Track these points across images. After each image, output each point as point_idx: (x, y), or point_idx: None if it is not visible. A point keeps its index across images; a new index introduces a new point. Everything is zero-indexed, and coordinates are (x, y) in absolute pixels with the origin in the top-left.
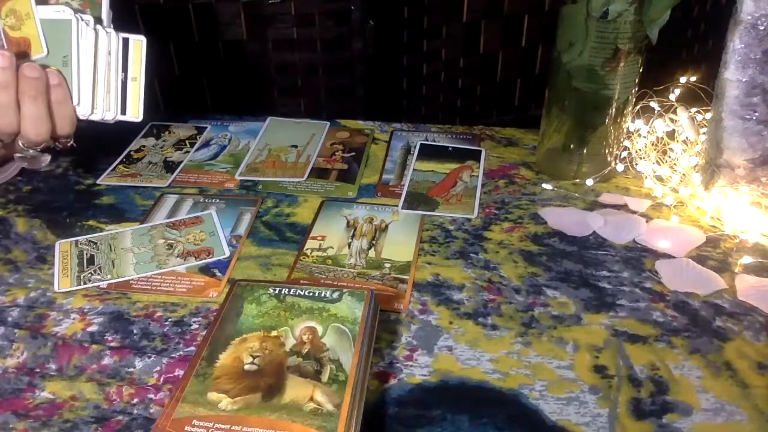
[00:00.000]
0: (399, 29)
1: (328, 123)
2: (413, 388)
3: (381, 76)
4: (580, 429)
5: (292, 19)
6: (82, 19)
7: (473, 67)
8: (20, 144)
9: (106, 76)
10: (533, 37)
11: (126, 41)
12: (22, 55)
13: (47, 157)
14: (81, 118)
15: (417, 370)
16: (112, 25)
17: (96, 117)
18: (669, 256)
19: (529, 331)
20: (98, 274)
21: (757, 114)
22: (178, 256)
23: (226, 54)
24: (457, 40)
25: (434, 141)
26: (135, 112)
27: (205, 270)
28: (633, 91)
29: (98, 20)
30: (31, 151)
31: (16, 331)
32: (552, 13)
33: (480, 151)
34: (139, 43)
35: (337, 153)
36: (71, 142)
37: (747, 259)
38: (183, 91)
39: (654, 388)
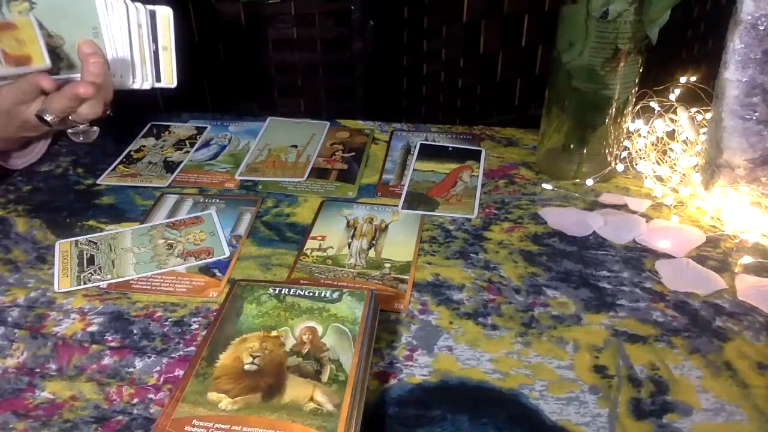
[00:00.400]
0: (399, 29)
1: (328, 123)
2: (413, 388)
3: (381, 76)
4: (580, 429)
5: (292, 19)
6: None
7: (473, 67)
8: (72, 121)
9: (140, 47)
10: (533, 37)
11: (153, 13)
12: (19, 64)
13: (97, 129)
14: (122, 88)
15: (417, 370)
16: None
17: (136, 86)
18: (669, 256)
19: (529, 331)
20: (98, 274)
21: (757, 114)
22: (178, 256)
23: (226, 54)
24: (457, 40)
25: (434, 141)
26: (169, 79)
27: (205, 270)
28: (633, 91)
29: None
30: (82, 126)
31: (16, 331)
32: (552, 13)
33: (480, 151)
34: (166, 15)
35: (337, 153)
36: (110, 110)
37: (747, 259)
38: (183, 91)
39: (654, 388)
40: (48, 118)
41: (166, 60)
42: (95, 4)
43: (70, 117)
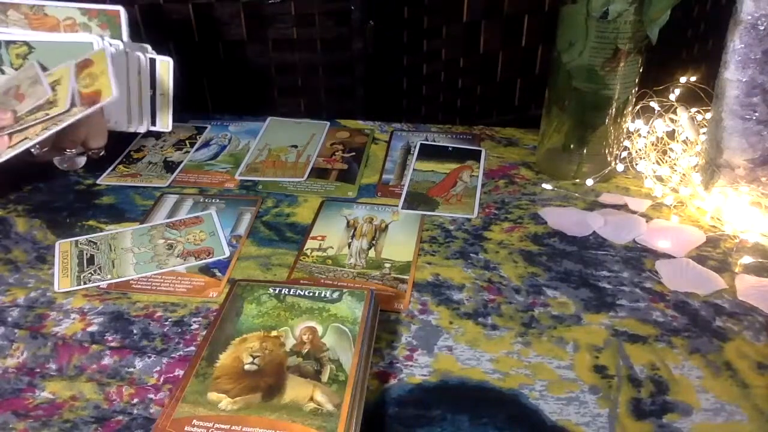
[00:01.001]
0: (399, 29)
1: (328, 123)
2: (413, 388)
3: (381, 76)
4: (580, 429)
5: (292, 19)
6: (111, 45)
7: (473, 67)
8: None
9: (138, 93)
10: (533, 37)
11: (153, 61)
12: (93, 102)
13: (83, 159)
14: (118, 130)
15: (417, 370)
16: (129, 40)
17: (131, 129)
18: (669, 256)
19: (529, 331)
20: (98, 274)
21: (757, 114)
22: (178, 256)
23: (226, 54)
24: (457, 40)
25: (434, 141)
26: (164, 123)
27: (205, 270)
28: (633, 91)
29: (126, 43)
30: (68, 152)
31: (16, 331)
32: (552, 13)
33: (480, 151)
34: (165, 63)
35: (337, 153)
36: (102, 152)
37: (747, 259)
38: (183, 91)
39: (654, 388)
40: (34, 150)
41: (163, 105)
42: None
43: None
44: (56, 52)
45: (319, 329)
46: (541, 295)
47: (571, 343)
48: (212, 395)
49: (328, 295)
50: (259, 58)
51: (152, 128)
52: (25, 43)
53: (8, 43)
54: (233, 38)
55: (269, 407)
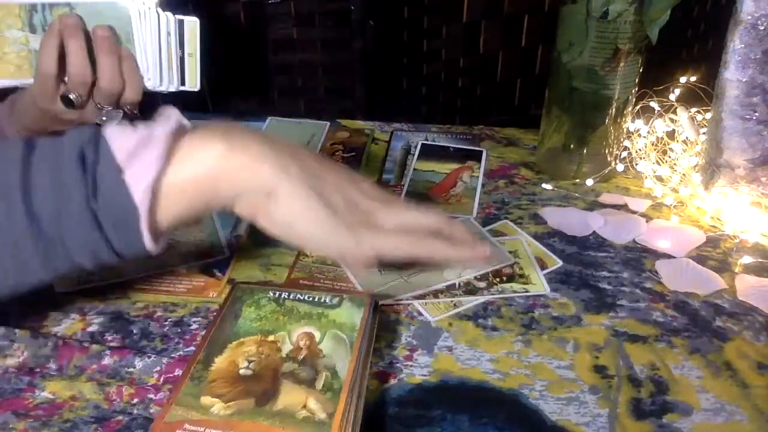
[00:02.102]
0: (399, 29)
1: (328, 123)
2: (413, 388)
3: (381, 76)
4: (580, 429)
5: (292, 19)
6: (144, 3)
7: (473, 67)
8: (96, 103)
9: (168, 53)
10: (533, 37)
11: (181, 22)
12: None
13: (120, 113)
14: (150, 89)
15: (417, 370)
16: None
17: (162, 88)
18: (669, 256)
19: (529, 331)
20: (98, 274)
21: (757, 114)
22: (178, 256)
23: (226, 54)
24: (457, 40)
25: (434, 141)
26: (193, 83)
27: (205, 270)
28: (633, 91)
29: (157, 3)
30: (106, 107)
31: (16, 331)
32: (552, 13)
33: (480, 151)
34: (193, 23)
35: (337, 153)
36: (137, 110)
37: (747, 259)
38: (183, 91)
39: (654, 388)
40: (72, 96)
41: (191, 65)
42: (129, 12)
43: (93, 100)
44: (95, 13)
45: (317, 335)
46: (541, 295)
47: (571, 342)
48: (205, 399)
49: (327, 301)
50: (259, 58)
51: (181, 88)
52: (67, 4)
53: (51, 5)
54: (233, 38)
55: (262, 413)
